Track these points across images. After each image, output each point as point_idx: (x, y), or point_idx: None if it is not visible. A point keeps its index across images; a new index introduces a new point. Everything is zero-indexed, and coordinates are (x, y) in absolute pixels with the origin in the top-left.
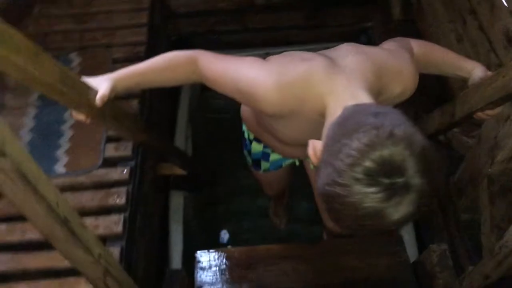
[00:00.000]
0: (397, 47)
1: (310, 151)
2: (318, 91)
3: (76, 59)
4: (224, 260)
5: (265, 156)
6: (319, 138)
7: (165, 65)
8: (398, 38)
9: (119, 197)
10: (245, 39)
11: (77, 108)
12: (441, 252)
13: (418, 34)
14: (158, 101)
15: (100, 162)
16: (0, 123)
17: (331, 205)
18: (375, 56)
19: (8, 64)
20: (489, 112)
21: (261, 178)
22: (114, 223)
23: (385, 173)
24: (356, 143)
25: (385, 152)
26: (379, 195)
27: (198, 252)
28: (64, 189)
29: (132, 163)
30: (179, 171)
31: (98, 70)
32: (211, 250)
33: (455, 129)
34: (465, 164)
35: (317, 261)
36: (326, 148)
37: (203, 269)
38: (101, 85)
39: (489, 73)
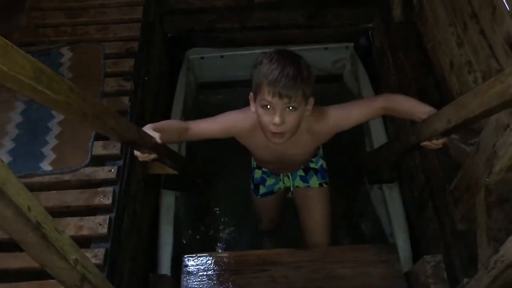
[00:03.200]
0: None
1: None
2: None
3: (67, 54)
4: (212, 265)
5: (263, 181)
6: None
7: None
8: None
9: (105, 197)
10: (243, 37)
11: (54, 107)
12: (436, 263)
13: (419, 36)
14: (151, 99)
15: (87, 160)
16: None
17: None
18: None
19: None
20: (435, 141)
21: (257, 204)
22: (99, 224)
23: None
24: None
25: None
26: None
27: (185, 256)
28: (49, 187)
29: (120, 162)
30: (170, 170)
31: (89, 65)
32: (198, 254)
33: (453, 136)
34: (462, 172)
35: (308, 268)
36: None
37: (189, 273)
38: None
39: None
